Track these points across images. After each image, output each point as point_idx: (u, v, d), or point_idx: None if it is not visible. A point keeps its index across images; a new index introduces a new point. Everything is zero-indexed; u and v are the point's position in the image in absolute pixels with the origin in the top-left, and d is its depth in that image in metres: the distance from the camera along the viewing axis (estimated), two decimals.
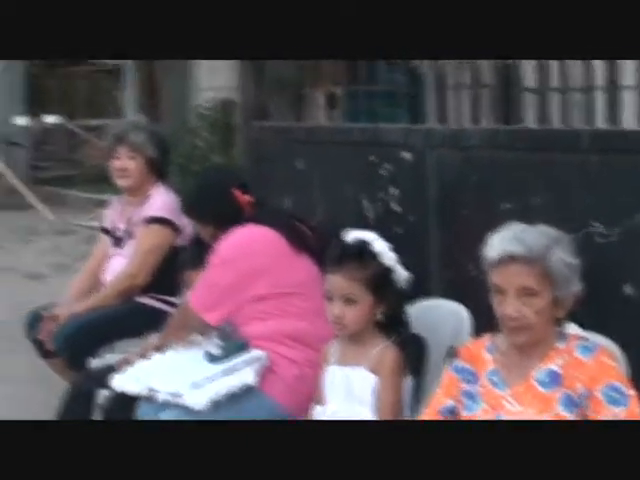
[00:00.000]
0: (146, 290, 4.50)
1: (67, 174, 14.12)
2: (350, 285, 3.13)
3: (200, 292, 3.69)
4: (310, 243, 3.71)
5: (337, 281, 3.15)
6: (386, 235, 3.31)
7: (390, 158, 3.95)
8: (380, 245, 3.21)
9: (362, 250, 3.19)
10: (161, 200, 4.59)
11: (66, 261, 8.73)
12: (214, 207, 3.82)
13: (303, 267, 3.64)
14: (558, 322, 2.74)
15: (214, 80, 8.42)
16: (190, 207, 3.96)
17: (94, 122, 14.17)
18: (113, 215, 4.80)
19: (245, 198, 3.81)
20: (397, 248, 3.25)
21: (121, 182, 4.68)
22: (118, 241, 4.70)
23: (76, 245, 9.60)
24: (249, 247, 3.65)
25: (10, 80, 13.94)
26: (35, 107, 14.59)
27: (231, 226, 3.70)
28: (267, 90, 4.83)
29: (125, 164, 4.64)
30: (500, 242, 2.72)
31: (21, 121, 13.97)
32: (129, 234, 4.65)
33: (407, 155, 3.87)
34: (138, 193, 4.66)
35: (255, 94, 4.82)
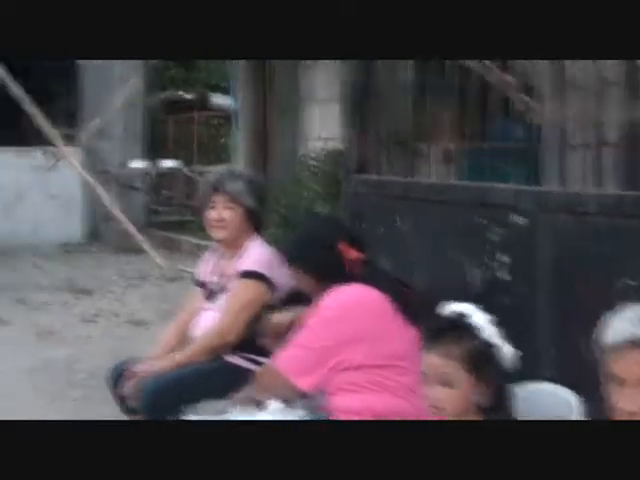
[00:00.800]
0: (236, 348, 4.25)
1: (183, 219, 14.15)
2: (446, 364, 2.82)
3: (293, 353, 3.40)
4: (416, 311, 3.41)
5: (432, 360, 2.85)
6: (491, 306, 3.01)
7: (499, 221, 3.67)
8: (480, 318, 2.89)
9: (458, 324, 2.88)
10: (257, 253, 4.35)
11: (171, 308, 8.62)
12: (318, 258, 3.57)
13: (406, 337, 3.33)
14: None
15: (324, 129, 8.29)
16: (292, 255, 3.72)
17: (210, 168, 14.19)
18: (207, 267, 4.59)
19: (353, 253, 3.53)
20: (502, 321, 2.94)
21: (217, 233, 4.45)
22: (210, 295, 4.47)
23: (183, 292, 9.50)
24: (355, 309, 3.37)
25: (128, 124, 14.12)
26: (153, 151, 14.74)
27: (335, 281, 3.44)
28: (376, 143, 4.60)
29: (221, 214, 4.41)
30: (621, 325, 2.41)
31: (138, 165, 14.12)
32: (222, 288, 4.42)
33: (518, 219, 3.58)
34: (234, 245, 4.43)
35: (360, 146, 4.60)
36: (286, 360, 3.42)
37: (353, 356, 3.31)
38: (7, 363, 6.86)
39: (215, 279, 4.48)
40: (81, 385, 6.28)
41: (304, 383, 3.34)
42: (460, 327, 2.87)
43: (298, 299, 3.86)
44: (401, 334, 3.35)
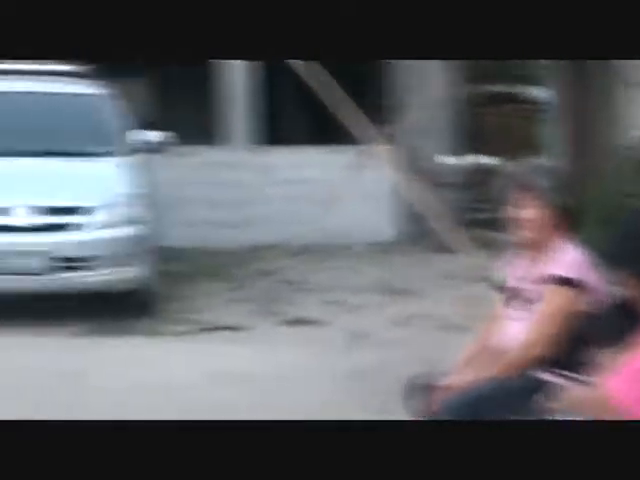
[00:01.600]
0: (546, 363, 3.89)
1: (499, 217, 13.71)
2: None
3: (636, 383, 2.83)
4: None
5: None
6: None
7: None
8: None
9: None
10: (569, 257, 3.98)
11: (488, 313, 8.22)
12: None
13: None
14: None
15: None
16: (621, 259, 3.14)
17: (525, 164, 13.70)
18: (510, 272, 4.23)
19: None
20: None
21: (522, 235, 4.10)
22: (515, 303, 4.12)
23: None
24: None
25: (442, 119, 13.86)
26: (466, 147, 14.41)
27: None
28: None
29: (528, 214, 4.04)
30: None
31: (451, 160, 13.82)
32: (528, 295, 4.06)
33: None
34: (540, 247, 4.07)
35: None
36: (627, 391, 2.86)
37: None
38: (316, 364, 6.87)
39: (520, 286, 4.12)
40: (384, 392, 6.05)
41: None
42: None
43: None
44: None
